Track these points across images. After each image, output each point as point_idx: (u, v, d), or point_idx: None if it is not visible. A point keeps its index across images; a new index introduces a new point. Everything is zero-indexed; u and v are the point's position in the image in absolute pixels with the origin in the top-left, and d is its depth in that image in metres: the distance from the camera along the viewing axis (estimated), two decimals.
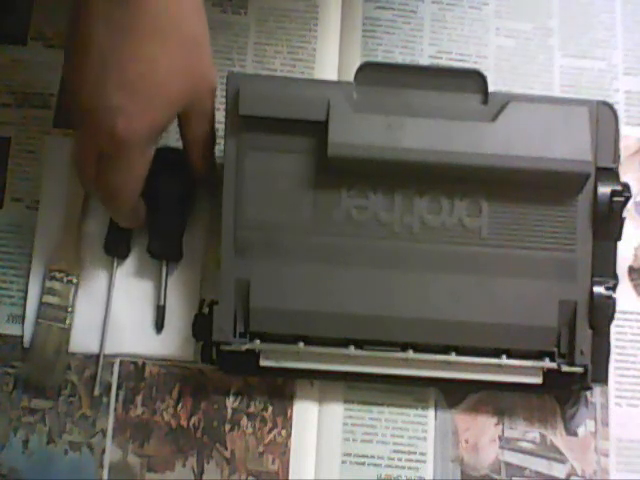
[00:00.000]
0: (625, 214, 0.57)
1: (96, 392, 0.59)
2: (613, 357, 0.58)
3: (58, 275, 0.60)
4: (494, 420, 0.60)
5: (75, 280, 0.60)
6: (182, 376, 0.60)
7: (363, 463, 0.59)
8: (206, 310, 0.60)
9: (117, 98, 0.48)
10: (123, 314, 0.60)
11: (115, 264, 0.61)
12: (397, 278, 0.56)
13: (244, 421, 0.59)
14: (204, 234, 0.62)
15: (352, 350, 0.56)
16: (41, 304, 0.60)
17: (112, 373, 0.60)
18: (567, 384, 0.57)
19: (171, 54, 0.49)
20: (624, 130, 0.63)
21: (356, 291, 0.56)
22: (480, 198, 0.56)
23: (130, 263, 0.61)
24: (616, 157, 0.57)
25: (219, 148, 0.62)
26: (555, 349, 0.56)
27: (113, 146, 0.49)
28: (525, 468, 0.59)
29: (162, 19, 0.48)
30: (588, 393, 0.60)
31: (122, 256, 0.61)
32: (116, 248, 0.61)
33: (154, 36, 0.48)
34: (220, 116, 0.59)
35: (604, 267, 0.57)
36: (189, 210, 0.61)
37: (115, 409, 0.59)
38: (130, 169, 0.52)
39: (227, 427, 0.59)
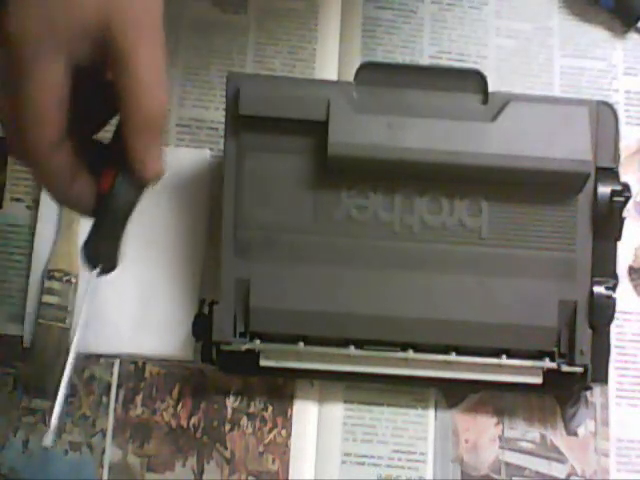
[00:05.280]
0: (625, 214, 0.57)
1: (96, 392, 0.59)
2: (613, 357, 0.58)
3: (58, 275, 0.60)
4: (494, 420, 0.60)
5: (75, 280, 0.60)
6: (182, 376, 0.60)
7: (363, 463, 0.59)
8: (206, 310, 0.60)
9: None
10: (122, 314, 0.60)
11: None
12: (397, 278, 0.56)
13: (244, 421, 0.59)
14: (204, 234, 0.62)
15: (352, 350, 0.56)
16: (41, 304, 0.60)
17: (112, 373, 0.60)
18: (567, 384, 0.57)
19: None
20: (624, 130, 0.63)
21: (356, 291, 0.56)
22: (480, 198, 0.56)
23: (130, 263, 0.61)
24: (616, 157, 0.57)
25: (219, 148, 0.62)
26: (555, 349, 0.56)
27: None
28: (525, 468, 0.59)
29: None
30: (588, 393, 0.60)
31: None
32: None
33: None
34: (220, 116, 0.59)
35: (604, 267, 0.57)
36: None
37: (115, 409, 0.59)
38: (32, 79, 0.38)
39: (227, 427, 0.59)
